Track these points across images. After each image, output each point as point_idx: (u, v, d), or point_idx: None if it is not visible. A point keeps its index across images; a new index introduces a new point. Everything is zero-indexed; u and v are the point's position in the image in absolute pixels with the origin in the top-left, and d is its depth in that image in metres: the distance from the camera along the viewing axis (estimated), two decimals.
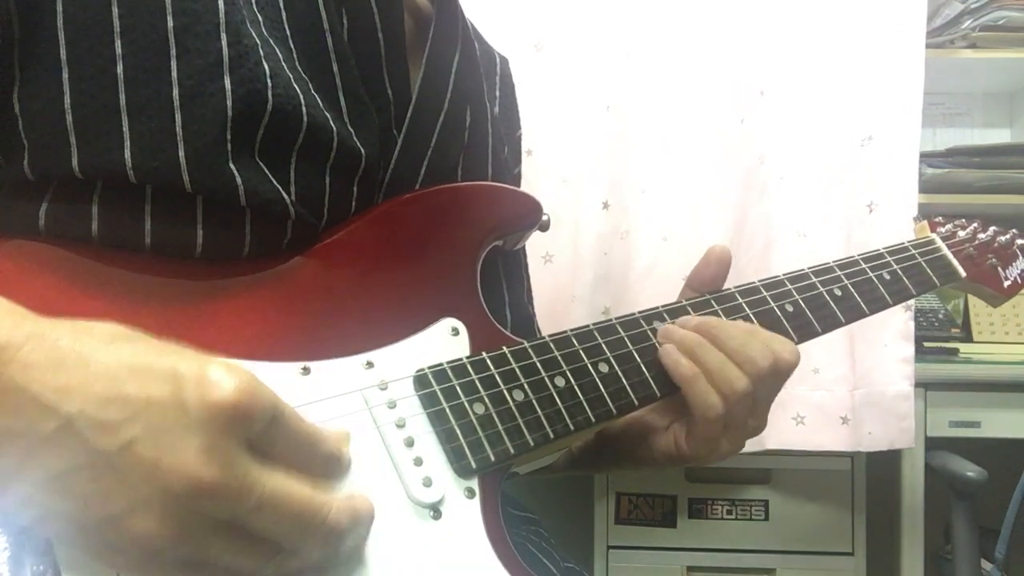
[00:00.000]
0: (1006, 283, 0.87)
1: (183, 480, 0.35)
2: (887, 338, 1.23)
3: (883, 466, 1.33)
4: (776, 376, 0.61)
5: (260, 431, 0.37)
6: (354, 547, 0.43)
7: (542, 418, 0.55)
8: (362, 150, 0.57)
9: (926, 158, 1.55)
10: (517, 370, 0.56)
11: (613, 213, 1.29)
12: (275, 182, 0.53)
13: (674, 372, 0.60)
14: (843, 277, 0.72)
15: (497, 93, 0.80)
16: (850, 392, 1.25)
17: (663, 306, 0.65)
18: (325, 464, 0.41)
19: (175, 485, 0.35)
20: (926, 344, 1.36)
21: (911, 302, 1.22)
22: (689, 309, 0.65)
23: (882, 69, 1.24)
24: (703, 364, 0.59)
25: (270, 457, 0.38)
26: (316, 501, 0.38)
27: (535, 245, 1.26)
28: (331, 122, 0.55)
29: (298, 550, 0.39)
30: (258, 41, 0.52)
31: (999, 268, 0.87)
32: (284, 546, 0.38)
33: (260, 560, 0.38)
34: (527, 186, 0.81)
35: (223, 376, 0.36)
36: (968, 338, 1.48)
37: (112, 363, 0.37)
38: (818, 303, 0.69)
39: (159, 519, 0.35)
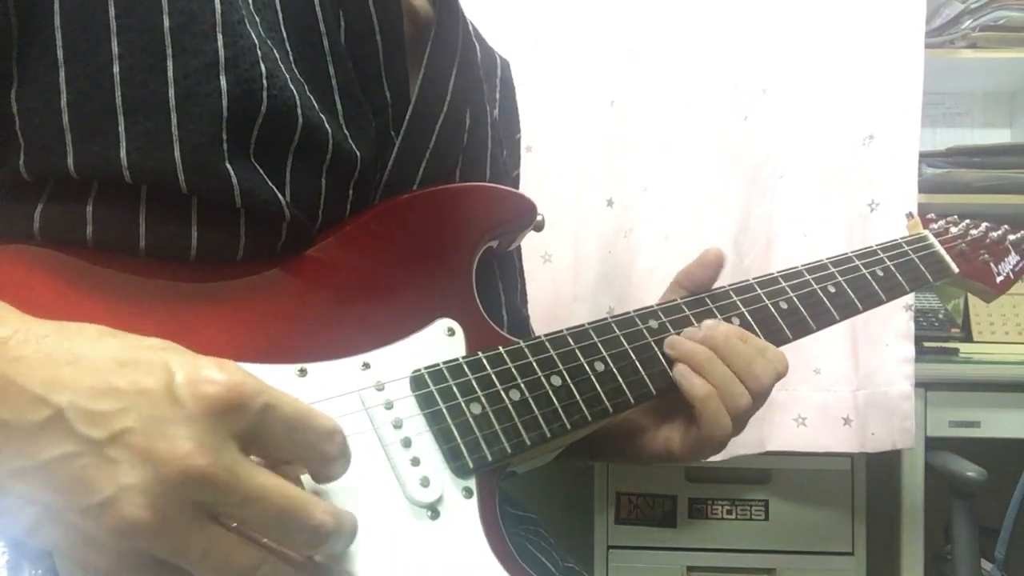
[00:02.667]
0: (998, 279, 0.87)
1: (175, 466, 0.35)
2: (889, 338, 1.23)
3: (883, 466, 1.32)
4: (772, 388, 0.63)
5: (250, 425, 0.37)
6: (339, 556, 0.42)
7: (539, 417, 0.55)
8: (357, 152, 0.57)
9: (926, 158, 1.54)
10: (513, 370, 0.56)
11: (617, 211, 1.29)
12: (271, 183, 0.53)
13: (688, 391, 0.61)
14: (837, 274, 0.72)
15: (497, 96, 0.80)
16: (852, 393, 1.25)
17: (658, 304, 0.65)
18: (323, 442, 0.40)
19: (166, 471, 0.35)
20: (926, 344, 1.36)
21: (911, 301, 1.22)
22: (684, 307, 0.65)
23: (882, 68, 1.24)
24: (711, 380, 0.61)
25: (260, 449, 0.38)
26: (301, 498, 0.38)
27: (534, 245, 1.26)
28: (326, 124, 0.55)
29: (284, 549, 0.38)
30: (256, 41, 0.52)
31: (991, 264, 0.87)
32: (271, 537, 0.38)
33: (243, 568, 0.37)
34: (527, 184, 0.81)
35: (214, 371, 0.37)
36: (968, 338, 1.48)
37: (100, 358, 0.37)
38: (812, 300, 0.70)
39: (145, 506, 0.34)
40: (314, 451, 0.40)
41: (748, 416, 0.63)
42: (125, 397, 0.36)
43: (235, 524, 0.37)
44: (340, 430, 0.41)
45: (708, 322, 0.64)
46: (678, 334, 0.63)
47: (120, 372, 0.37)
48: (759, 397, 0.62)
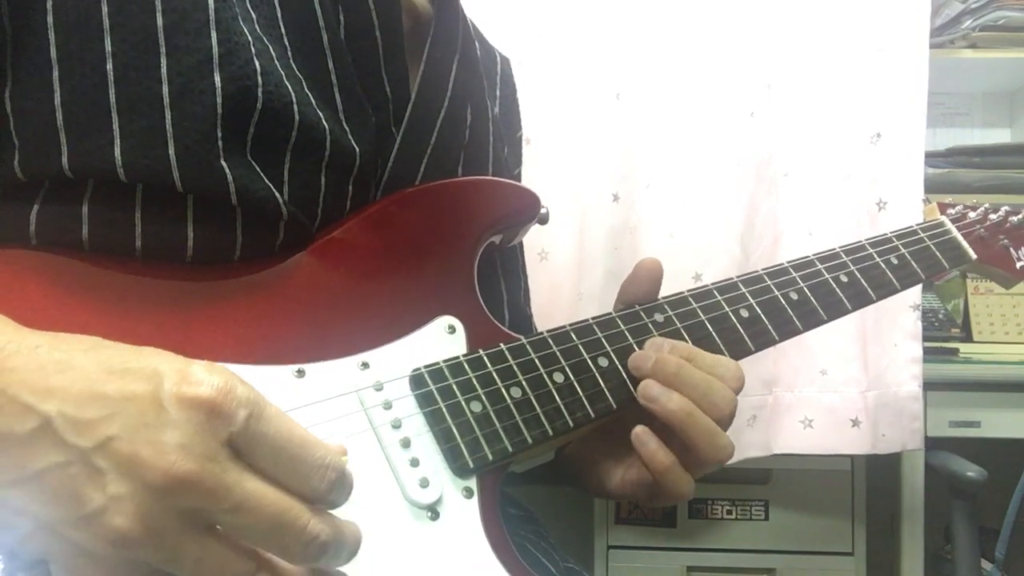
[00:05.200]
0: (1019, 264, 0.85)
1: (159, 473, 0.34)
2: (897, 338, 1.21)
3: (883, 466, 1.32)
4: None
5: (239, 430, 0.36)
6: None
7: (540, 415, 0.55)
8: (356, 148, 0.57)
9: (926, 158, 1.53)
10: (515, 367, 0.56)
11: (623, 206, 1.27)
12: (267, 181, 0.52)
13: (649, 462, 0.56)
14: (849, 263, 0.70)
15: (497, 93, 0.80)
16: (861, 394, 1.23)
17: (664, 298, 0.64)
18: (314, 472, 0.37)
19: (151, 478, 0.34)
20: (926, 344, 1.35)
21: (917, 301, 1.21)
22: (691, 300, 0.64)
23: (889, 65, 1.23)
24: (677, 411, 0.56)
25: (251, 459, 0.36)
26: (296, 507, 0.36)
27: (530, 243, 1.24)
28: (324, 120, 0.55)
29: (277, 561, 0.37)
30: (250, 38, 0.52)
31: (1011, 249, 0.85)
32: (265, 547, 0.37)
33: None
34: (529, 178, 0.81)
35: (203, 374, 0.36)
36: (968, 338, 1.47)
37: (91, 366, 0.37)
38: (824, 290, 0.68)
39: (134, 516, 0.34)
40: (301, 481, 0.37)
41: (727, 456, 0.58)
42: (112, 403, 0.35)
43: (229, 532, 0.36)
44: (334, 465, 0.38)
45: (654, 342, 0.59)
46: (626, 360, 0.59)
47: (109, 379, 0.36)
48: (722, 423, 0.57)
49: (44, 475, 0.35)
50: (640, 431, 0.57)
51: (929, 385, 1.25)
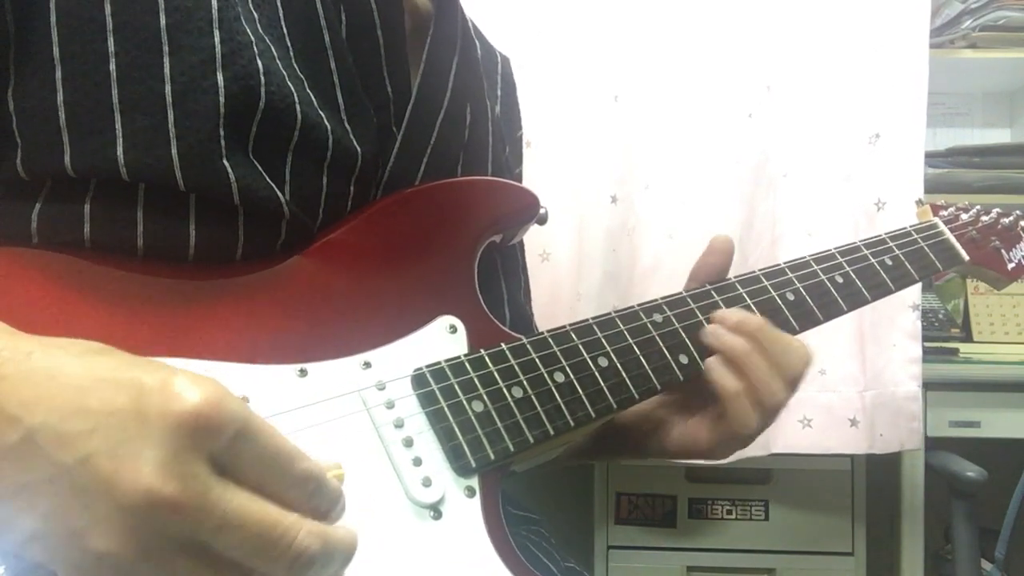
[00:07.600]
0: (1010, 265, 0.86)
1: (140, 495, 0.33)
2: (895, 338, 1.22)
3: (883, 466, 1.32)
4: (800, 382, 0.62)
5: (224, 445, 0.34)
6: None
7: (541, 414, 0.55)
8: (358, 148, 0.57)
9: (926, 158, 1.54)
10: (516, 367, 0.56)
11: (621, 208, 1.27)
12: (269, 180, 0.52)
13: (720, 387, 0.60)
14: (844, 264, 0.71)
15: (498, 92, 0.80)
16: (859, 393, 1.24)
17: (662, 298, 0.64)
18: (300, 484, 0.36)
19: (132, 499, 0.33)
20: (926, 344, 1.36)
21: (917, 301, 1.22)
22: (689, 300, 0.65)
23: (888, 66, 1.24)
24: (749, 375, 0.60)
25: (236, 474, 0.35)
26: (284, 522, 0.35)
27: (532, 243, 1.25)
28: (326, 120, 0.55)
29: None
30: (252, 38, 0.52)
31: (1003, 250, 0.85)
32: (254, 566, 0.35)
33: None
34: (528, 180, 0.81)
35: (187, 386, 0.34)
36: (968, 338, 1.47)
37: (79, 375, 0.35)
38: (820, 291, 0.69)
39: (119, 536, 0.33)
40: (284, 494, 0.36)
41: (780, 411, 0.62)
42: (94, 417, 0.34)
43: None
44: (316, 477, 0.37)
45: (736, 310, 0.63)
46: (708, 320, 0.63)
47: (94, 390, 0.35)
48: (793, 387, 0.62)
49: (30, 489, 0.34)
50: (712, 359, 0.61)
51: (929, 385, 1.25)
